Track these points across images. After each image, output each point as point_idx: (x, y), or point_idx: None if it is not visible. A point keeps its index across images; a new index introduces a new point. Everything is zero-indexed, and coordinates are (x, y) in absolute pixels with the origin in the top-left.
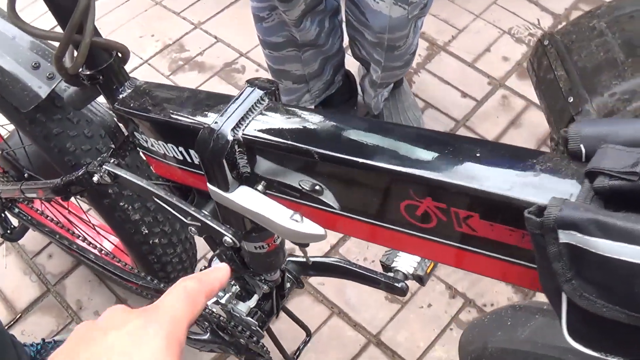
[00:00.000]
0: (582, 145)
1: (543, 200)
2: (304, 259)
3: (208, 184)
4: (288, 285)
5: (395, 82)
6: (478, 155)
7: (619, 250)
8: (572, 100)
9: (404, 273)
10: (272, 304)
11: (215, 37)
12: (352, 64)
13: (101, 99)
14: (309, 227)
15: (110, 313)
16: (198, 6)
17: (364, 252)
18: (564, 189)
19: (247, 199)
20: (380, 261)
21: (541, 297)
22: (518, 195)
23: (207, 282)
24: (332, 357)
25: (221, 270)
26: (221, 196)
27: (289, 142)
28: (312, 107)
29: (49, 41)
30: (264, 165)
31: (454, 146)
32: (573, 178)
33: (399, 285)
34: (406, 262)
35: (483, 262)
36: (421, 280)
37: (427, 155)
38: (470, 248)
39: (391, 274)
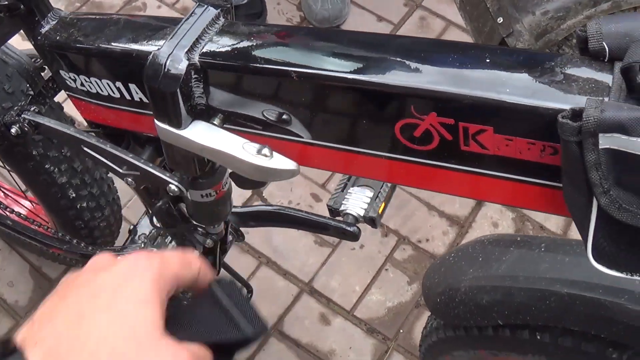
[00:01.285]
0: (605, 43)
1: (571, 104)
2: (244, 210)
3: (156, 122)
4: (230, 238)
5: None
6: (488, 61)
7: None
8: (501, 21)
9: (354, 216)
10: (213, 260)
11: None
12: None
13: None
14: (280, 162)
15: (96, 259)
16: None
17: (287, 195)
18: (594, 90)
19: (205, 135)
20: (328, 205)
21: (477, 232)
22: (543, 101)
23: (204, 263)
24: (265, 310)
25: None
26: (173, 134)
27: (260, 64)
28: None
29: None
30: (220, 95)
31: (459, 53)
32: (601, 77)
33: (351, 229)
34: (356, 204)
35: (490, 186)
36: (373, 222)
37: (429, 65)
38: (476, 170)
39: (340, 219)
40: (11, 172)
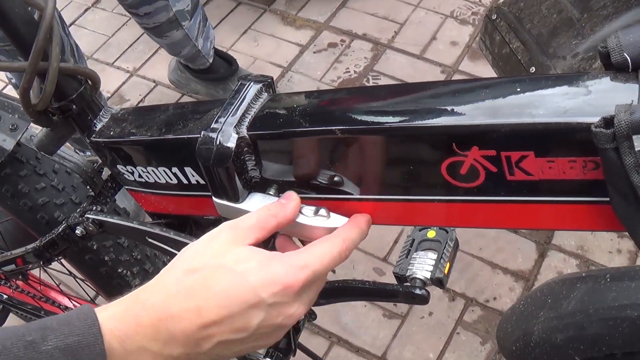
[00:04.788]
0: (626, 54)
1: (602, 115)
2: None
3: (214, 199)
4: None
5: None
6: (519, 89)
7: None
8: (534, 70)
9: (421, 280)
10: (288, 341)
11: (154, 81)
12: None
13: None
14: (337, 221)
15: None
16: (129, 53)
17: (350, 273)
18: (622, 98)
19: (262, 205)
20: (394, 272)
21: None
22: (575, 117)
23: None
24: None
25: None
26: (232, 209)
27: (304, 128)
28: None
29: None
30: (273, 166)
31: (490, 87)
32: (627, 86)
33: (420, 292)
34: (421, 268)
35: (544, 212)
36: (441, 283)
37: (463, 103)
38: (527, 198)
39: (408, 284)
40: (78, 280)
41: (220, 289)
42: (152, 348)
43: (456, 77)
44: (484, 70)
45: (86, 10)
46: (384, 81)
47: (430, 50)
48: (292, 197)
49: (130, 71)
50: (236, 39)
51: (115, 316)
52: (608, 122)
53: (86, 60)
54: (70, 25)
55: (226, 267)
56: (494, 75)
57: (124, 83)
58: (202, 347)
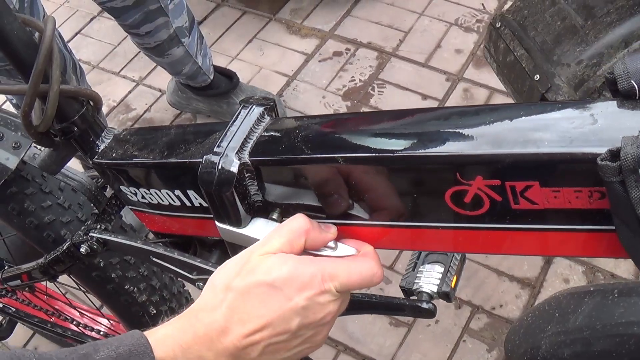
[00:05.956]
0: (633, 81)
1: (609, 146)
2: None
3: (217, 223)
4: None
5: None
6: (523, 117)
7: None
8: (538, 78)
9: (428, 293)
10: None
11: (160, 90)
12: None
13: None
14: (345, 251)
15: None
16: (136, 62)
17: None
18: (630, 127)
19: (265, 231)
20: (400, 285)
21: (549, 290)
22: (581, 148)
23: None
24: None
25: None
26: (235, 234)
27: (307, 155)
28: None
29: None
30: (276, 189)
31: (494, 115)
32: (635, 114)
33: (426, 306)
34: (428, 281)
35: (549, 240)
36: (448, 296)
37: (467, 131)
38: (531, 226)
39: (415, 298)
40: (86, 293)
41: (257, 301)
42: (209, 358)
43: (461, 84)
44: (489, 78)
45: (92, 19)
46: (389, 89)
47: (435, 58)
48: (331, 230)
49: (137, 80)
50: (241, 48)
51: (173, 331)
52: (614, 154)
53: (86, 75)
54: (76, 34)
55: (259, 280)
56: (499, 82)
57: (130, 92)
58: (250, 355)
